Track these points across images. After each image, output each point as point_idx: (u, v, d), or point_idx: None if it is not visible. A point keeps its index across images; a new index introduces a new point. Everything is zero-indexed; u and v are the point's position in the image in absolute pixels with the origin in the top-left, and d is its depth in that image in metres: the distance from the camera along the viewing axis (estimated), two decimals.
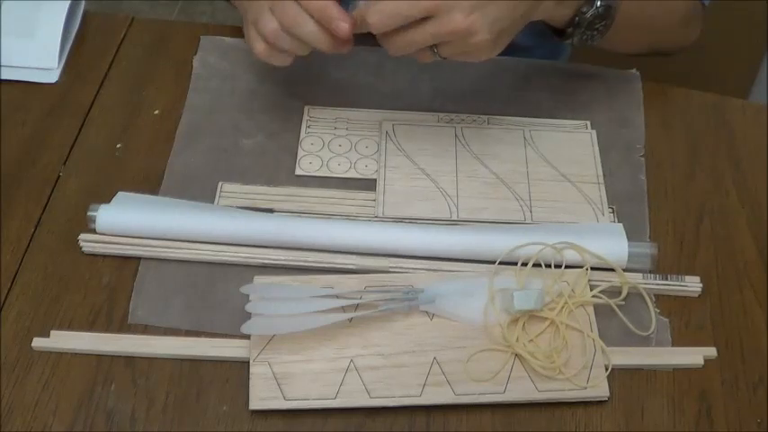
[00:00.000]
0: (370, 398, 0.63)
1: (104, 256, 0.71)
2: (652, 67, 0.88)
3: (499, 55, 0.82)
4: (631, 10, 0.78)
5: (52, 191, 0.76)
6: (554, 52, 1.01)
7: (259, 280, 0.69)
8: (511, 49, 0.73)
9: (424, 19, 0.66)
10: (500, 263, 0.69)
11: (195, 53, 0.87)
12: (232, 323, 0.66)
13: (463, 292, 0.68)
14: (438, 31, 0.66)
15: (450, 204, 0.76)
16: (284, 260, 0.71)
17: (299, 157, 0.79)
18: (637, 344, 0.68)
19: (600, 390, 0.65)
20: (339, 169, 0.78)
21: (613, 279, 0.70)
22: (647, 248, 0.72)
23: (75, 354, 0.66)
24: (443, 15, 0.65)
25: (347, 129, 0.82)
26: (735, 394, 0.67)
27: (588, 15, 0.75)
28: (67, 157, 0.78)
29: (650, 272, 0.72)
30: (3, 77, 0.82)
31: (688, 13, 0.86)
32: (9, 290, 0.69)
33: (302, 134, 0.81)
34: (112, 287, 0.70)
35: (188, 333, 0.67)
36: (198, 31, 0.89)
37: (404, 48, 0.69)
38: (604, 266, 0.71)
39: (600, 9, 0.75)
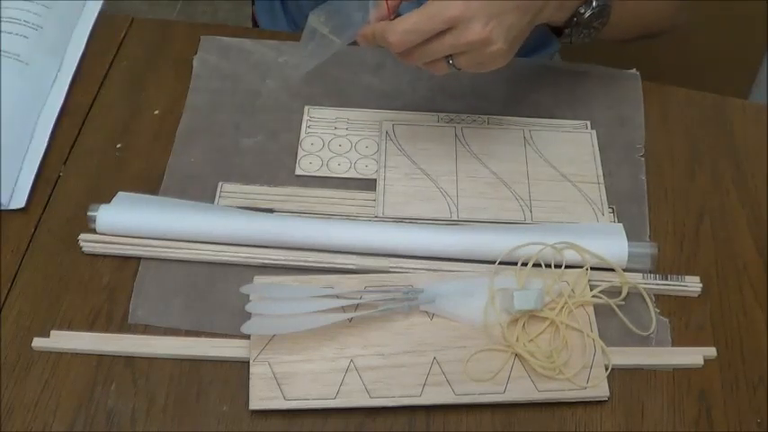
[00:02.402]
0: (370, 398, 0.63)
1: (104, 256, 0.71)
2: (652, 67, 0.88)
3: None
4: (626, 5, 0.78)
5: (52, 191, 0.75)
6: (544, 43, 1.01)
7: (259, 280, 0.69)
8: None
9: (443, 31, 0.66)
10: (500, 263, 0.69)
11: (195, 53, 0.87)
12: (232, 323, 0.66)
13: (463, 292, 0.68)
14: (456, 42, 0.67)
15: (450, 204, 0.76)
16: (284, 260, 0.71)
17: (299, 157, 0.79)
18: (637, 344, 0.68)
19: (600, 390, 0.65)
20: (339, 169, 0.78)
21: (613, 279, 0.70)
22: (647, 248, 0.72)
23: (76, 354, 0.66)
24: (462, 27, 0.66)
25: (347, 129, 0.82)
26: (735, 394, 0.67)
27: (586, 16, 0.76)
28: (67, 157, 0.78)
29: (650, 272, 0.72)
30: None
31: (679, 2, 0.87)
32: (9, 290, 0.69)
33: (302, 134, 0.81)
34: (112, 287, 0.70)
35: (188, 333, 0.67)
36: (198, 31, 0.89)
37: (420, 59, 0.69)
38: (604, 266, 0.71)
39: (596, 9, 0.75)
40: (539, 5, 0.70)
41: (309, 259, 0.71)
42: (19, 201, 0.74)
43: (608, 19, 0.77)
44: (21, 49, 0.82)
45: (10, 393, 0.64)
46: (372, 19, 0.70)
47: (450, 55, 0.69)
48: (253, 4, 1.10)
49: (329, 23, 0.72)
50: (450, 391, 0.64)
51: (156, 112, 0.82)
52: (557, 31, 0.79)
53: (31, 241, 0.72)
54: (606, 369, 0.66)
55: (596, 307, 0.69)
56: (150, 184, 0.76)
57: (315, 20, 0.72)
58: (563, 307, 0.68)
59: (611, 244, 0.71)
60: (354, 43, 0.72)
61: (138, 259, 0.71)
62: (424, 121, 0.82)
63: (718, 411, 0.66)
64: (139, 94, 0.84)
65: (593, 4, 0.75)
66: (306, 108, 0.83)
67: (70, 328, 0.67)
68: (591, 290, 0.69)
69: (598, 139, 0.82)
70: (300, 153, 0.79)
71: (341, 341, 0.66)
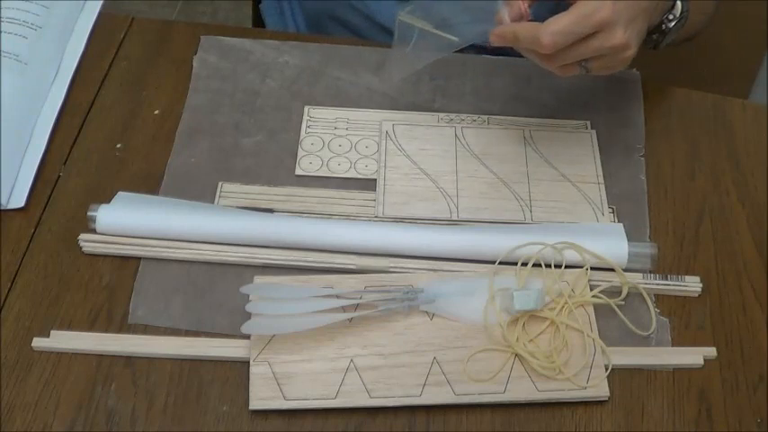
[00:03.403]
0: (370, 398, 0.63)
1: (104, 256, 0.71)
2: (652, 67, 0.88)
3: (499, 54, 0.82)
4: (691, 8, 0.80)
5: (52, 191, 0.75)
6: None
7: (259, 280, 0.69)
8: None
9: (589, 34, 0.67)
10: (500, 263, 0.69)
11: (195, 53, 0.87)
12: (232, 323, 0.66)
13: (463, 292, 0.68)
14: (601, 46, 0.68)
15: (450, 204, 0.76)
16: (284, 260, 0.71)
17: (299, 157, 0.79)
18: (637, 344, 0.68)
19: (600, 390, 0.65)
20: (339, 169, 0.78)
21: (613, 279, 0.70)
22: (647, 248, 0.72)
23: (76, 354, 0.66)
24: (607, 30, 0.67)
25: (347, 129, 0.82)
26: (735, 394, 0.67)
27: (672, 25, 0.78)
28: (67, 157, 0.78)
29: (650, 272, 0.72)
30: None
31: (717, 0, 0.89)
32: (9, 290, 0.69)
33: (302, 134, 0.81)
34: (112, 287, 0.70)
35: (188, 333, 0.67)
36: (198, 31, 0.89)
37: (562, 61, 0.69)
38: (604, 266, 0.71)
39: (680, 17, 0.77)
40: (652, 7, 0.72)
41: (309, 259, 0.71)
42: (18, 200, 0.74)
43: (684, 23, 0.78)
44: (20, 49, 0.82)
45: (10, 393, 0.64)
46: (506, 19, 0.70)
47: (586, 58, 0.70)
48: (259, 2, 1.10)
49: (431, 20, 0.71)
50: (450, 391, 0.64)
51: (156, 112, 0.82)
52: None
53: (31, 241, 0.72)
54: (606, 369, 0.66)
55: (596, 307, 0.69)
56: (150, 184, 0.76)
57: (408, 17, 0.71)
58: (563, 307, 0.68)
59: (611, 244, 0.71)
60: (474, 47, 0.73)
61: (138, 259, 0.71)
62: (424, 121, 0.82)
63: (718, 411, 0.66)
64: (139, 94, 0.83)
65: (679, 11, 0.77)
66: (306, 108, 0.83)
67: (70, 328, 0.67)
68: (591, 290, 0.69)
69: (598, 139, 0.82)
70: (300, 153, 0.79)
71: (341, 341, 0.66)
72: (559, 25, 0.66)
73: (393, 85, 0.83)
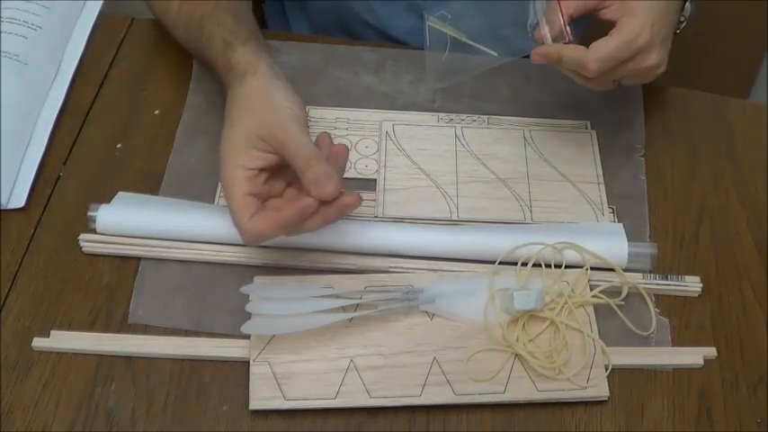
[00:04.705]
0: (370, 398, 0.63)
1: (104, 256, 0.71)
2: None
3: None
4: None
5: (52, 191, 0.75)
6: None
7: (259, 280, 0.69)
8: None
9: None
10: (500, 263, 0.69)
11: None
12: (232, 323, 0.66)
13: (463, 292, 0.68)
14: (638, 68, 0.70)
15: (450, 204, 0.76)
16: (284, 260, 0.71)
17: None
18: (637, 344, 0.68)
19: (600, 390, 0.65)
20: None
21: (613, 279, 0.70)
22: (647, 248, 0.72)
23: (76, 354, 0.66)
24: (645, 53, 0.70)
25: (347, 129, 0.82)
26: (735, 394, 0.67)
27: (683, 26, 0.79)
28: (67, 157, 0.78)
29: (650, 272, 0.72)
30: None
31: None
32: (9, 290, 0.69)
33: None
34: (112, 287, 0.70)
35: (188, 333, 0.67)
36: None
37: (602, 80, 0.71)
38: (604, 266, 0.71)
39: (685, 23, 0.79)
40: (676, 19, 0.75)
41: (309, 259, 0.71)
42: (18, 200, 0.74)
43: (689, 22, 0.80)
44: (21, 49, 0.82)
45: (10, 393, 0.64)
46: (549, 38, 0.71)
47: None
48: (263, 1, 1.09)
49: (463, 30, 0.71)
50: (450, 391, 0.64)
51: (156, 112, 0.82)
52: None
53: (31, 241, 0.72)
54: (606, 369, 0.66)
55: (596, 307, 0.69)
56: (150, 183, 0.76)
57: (438, 23, 0.71)
58: (563, 307, 0.68)
59: (611, 244, 0.71)
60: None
61: (138, 259, 0.71)
62: (424, 121, 0.82)
63: (718, 411, 0.66)
64: (139, 94, 0.83)
65: (688, 12, 0.78)
66: (306, 108, 0.83)
67: (70, 328, 0.67)
68: (591, 290, 0.69)
69: (598, 139, 0.82)
70: None
71: (341, 341, 0.66)
72: (604, 52, 0.68)
73: (394, 85, 0.83)
